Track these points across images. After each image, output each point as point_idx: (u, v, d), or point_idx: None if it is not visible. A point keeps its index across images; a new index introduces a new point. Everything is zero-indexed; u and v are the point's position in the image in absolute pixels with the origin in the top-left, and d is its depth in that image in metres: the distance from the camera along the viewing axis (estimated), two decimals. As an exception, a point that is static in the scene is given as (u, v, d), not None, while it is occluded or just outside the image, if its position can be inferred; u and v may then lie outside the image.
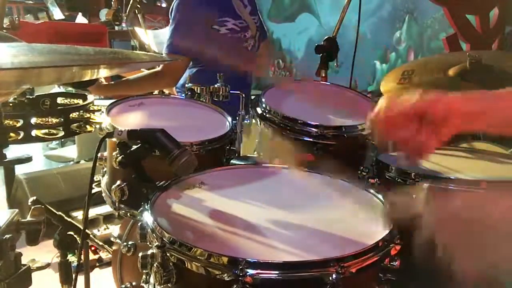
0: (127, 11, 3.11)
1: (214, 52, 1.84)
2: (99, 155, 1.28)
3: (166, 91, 2.38)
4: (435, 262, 0.77)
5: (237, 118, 1.44)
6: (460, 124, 0.89)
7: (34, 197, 1.21)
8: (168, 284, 0.84)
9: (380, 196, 1.04)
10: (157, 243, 0.85)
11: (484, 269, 0.73)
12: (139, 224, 0.96)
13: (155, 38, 3.38)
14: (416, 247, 0.81)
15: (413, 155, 0.91)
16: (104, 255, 2.64)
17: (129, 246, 1.36)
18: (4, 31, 2.34)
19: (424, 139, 0.88)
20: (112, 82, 2.29)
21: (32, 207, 1.02)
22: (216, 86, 1.58)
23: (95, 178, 1.29)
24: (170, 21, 2.21)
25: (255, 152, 1.53)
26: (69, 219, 1.34)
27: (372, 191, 1.07)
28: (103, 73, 1.13)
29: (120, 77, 2.35)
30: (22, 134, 1.72)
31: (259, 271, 0.77)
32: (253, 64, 2.39)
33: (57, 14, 5.21)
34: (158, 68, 2.20)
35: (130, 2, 3.08)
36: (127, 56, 1.13)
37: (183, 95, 1.61)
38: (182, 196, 1.04)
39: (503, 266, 0.74)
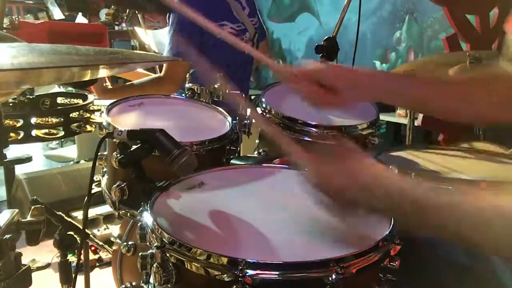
0: (127, 11, 3.11)
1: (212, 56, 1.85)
2: (99, 155, 1.28)
3: None
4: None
5: (237, 118, 1.44)
6: (358, 95, 1.10)
7: (34, 197, 1.21)
8: (168, 285, 0.84)
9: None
10: (156, 244, 0.85)
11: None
12: (139, 224, 0.96)
13: (155, 38, 3.38)
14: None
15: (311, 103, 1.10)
16: (104, 255, 2.65)
17: (129, 246, 1.36)
18: (4, 31, 2.34)
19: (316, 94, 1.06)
20: (117, 87, 2.29)
21: (32, 207, 1.02)
22: (216, 86, 1.58)
23: (95, 178, 1.29)
24: (169, 26, 2.22)
25: (255, 152, 1.53)
26: (69, 219, 1.34)
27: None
28: (103, 73, 1.13)
29: (118, 78, 2.36)
30: (22, 134, 1.71)
31: (258, 271, 0.77)
32: (249, 68, 2.40)
33: (57, 14, 5.22)
34: (160, 74, 2.21)
35: (130, 2, 3.08)
36: (127, 56, 1.13)
37: (183, 95, 1.61)
38: (182, 196, 1.04)
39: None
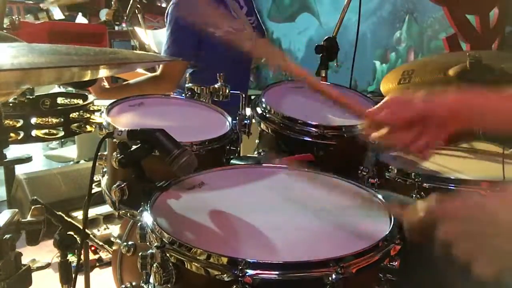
0: (127, 11, 3.11)
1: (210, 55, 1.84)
2: (99, 155, 1.28)
3: None
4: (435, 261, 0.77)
5: (237, 118, 1.44)
6: (461, 125, 0.91)
7: (34, 197, 1.21)
8: (168, 285, 0.84)
9: (380, 196, 1.04)
10: (156, 244, 0.85)
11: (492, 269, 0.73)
12: (139, 224, 0.96)
13: (155, 38, 3.38)
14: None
15: (416, 155, 0.92)
16: (104, 255, 2.65)
17: (129, 246, 1.36)
18: (4, 31, 2.34)
19: (425, 142, 0.89)
20: (114, 86, 2.29)
21: (32, 207, 1.02)
22: (216, 86, 1.58)
23: (95, 178, 1.29)
24: (166, 25, 2.22)
25: (255, 152, 1.53)
26: (69, 219, 1.34)
27: (372, 191, 1.07)
28: (103, 73, 1.13)
29: (117, 78, 2.36)
30: (22, 134, 1.72)
31: (258, 271, 0.77)
32: (248, 66, 2.40)
33: (57, 14, 5.22)
34: (157, 73, 2.21)
35: (130, 2, 3.08)
36: (127, 56, 1.13)
37: (183, 95, 1.61)
38: (182, 196, 1.04)
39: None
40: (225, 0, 2.24)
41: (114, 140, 1.10)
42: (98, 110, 1.91)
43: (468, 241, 0.72)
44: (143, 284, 1.00)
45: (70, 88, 2.25)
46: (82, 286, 1.55)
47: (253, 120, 1.48)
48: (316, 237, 0.89)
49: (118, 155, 1.07)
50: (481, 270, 0.71)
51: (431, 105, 0.90)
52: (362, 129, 1.05)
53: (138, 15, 3.21)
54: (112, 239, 1.60)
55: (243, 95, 1.66)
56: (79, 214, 2.76)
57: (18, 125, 1.71)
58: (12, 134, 1.69)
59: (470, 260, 0.71)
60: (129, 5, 3.12)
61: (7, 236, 0.92)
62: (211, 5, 2.17)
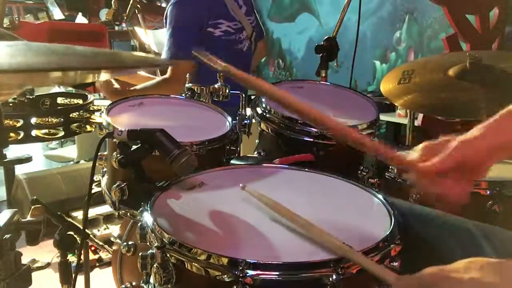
0: (127, 11, 3.11)
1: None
2: (99, 155, 1.28)
3: None
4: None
5: (237, 118, 1.44)
6: (492, 164, 0.90)
7: (34, 197, 1.21)
8: (168, 285, 0.84)
9: (380, 196, 1.04)
10: (157, 244, 0.85)
11: None
12: (139, 224, 0.96)
13: (155, 38, 3.38)
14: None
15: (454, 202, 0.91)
16: (104, 255, 2.65)
17: (129, 246, 1.36)
18: (5, 29, 2.34)
19: (462, 188, 0.89)
20: (126, 89, 2.29)
21: (32, 207, 1.02)
22: (216, 86, 1.58)
23: (95, 178, 1.29)
24: (166, 26, 2.22)
25: (255, 152, 1.53)
26: (69, 219, 1.34)
27: (372, 190, 1.07)
28: (103, 74, 1.12)
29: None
30: (22, 134, 1.72)
31: (259, 272, 0.76)
32: (247, 66, 2.39)
33: (57, 14, 5.22)
34: (166, 75, 2.21)
35: (130, 2, 3.08)
36: (127, 57, 1.13)
37: (183, 95, 1.61)
38: (182, 196, 1.04)
39: None
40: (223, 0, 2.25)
41: (114, 140, 1.10)
42: (98, 110, 1.91)
43: None
44: (143, 284, 1.00)
45: (70, 88, 2.26)
46: (82, 286, 1.55)
47: (253, 120, 1.48)
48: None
49: (118, 155, 1.07)
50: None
51: (469, 152, 0.88)
52: (363, 129, 1.02)
53: (138, 15, 3.21)
54: (112, 239, 1.60)
55: (243, 95, 1.66)
56: (79, 214, 2.77)
57: (18, 125, 1.71)
58: (12, 134, 1.69)
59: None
60: (129, 5, 3.12)
61: (7, 236, 0.92)
62: (209, 4, 2.18)
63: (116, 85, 2.14)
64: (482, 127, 0.90)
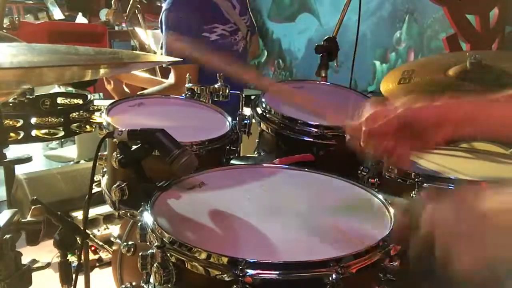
0: (127, 11, 3.11)
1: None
2: (99, 155, 1.28)
3: None
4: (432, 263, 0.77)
5: (237, 118, 1.44)
6: (450, 132, 0.89)
7: (34, 197, 1.21)
8: (168, 284, 0.84)
9: (380, 196, 1.04)
10: (157, 243, 0.85)
11: (483, 264, 0.73)
12: (139, 224, 0.96)
13: (155, 38, 3.38)
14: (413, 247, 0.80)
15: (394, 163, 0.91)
16: (104, 255, 2.64)
17: (129, 246, 1.36)
18: (4, 31, 2.34)
19: (405, 148, 0.89)
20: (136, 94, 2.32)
21: (32, 207, 1.02)
22: (216, 86, 1.58)
23: (95, 178, 1.29)
24: (163, 32, 2.22)
25: (255, 152, 1.53)
26: (69, 219, 1.34)
27: (372, 191, 1.07)
28: (104, 74, 1.12)
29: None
30: (22, 134, 1.72)
31: (259, 271, 0.77)
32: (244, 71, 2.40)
33: (57, 14, 5.22)
34: (171, 81, 2.22)
35: (130, 2, 3.08)
36: (127, 56, 1.13)
37: (183, 95, 1.61)
38: (182, 196, 1.04)
39: (502, 259, 0.74)
40: (216, 1, 2.24)
41: (114, 140, 1.10)
42: (98, 110, 1.91)
43: (453, 239, 0.72)
44: (143, 284, 1.00)
45: (70, 88, 2.26)
46: (82, 286, 1.55)
47: (253, 120, 1.48)
48: (316, 237, 0.89)
49: (118, 155, 1.07)
50: (462, 265, 0.71)
51: (413, 111, 0.89)
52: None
53: (138, 15, 3.21)
54: (112, 239, 1.60)
55: (243, 95, 1.66)
56: (79, 214, 2.76)
57: (18, 125, 1.71)
58: (12, 134, 1.69)
59: (451, 256, 0.71)
60: (129, 5, 3.12)
61: (7, 236, 0.92)
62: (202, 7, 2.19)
63: (127, 90, 2.16)
64: (448, 99, 0.90)
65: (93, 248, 2.60)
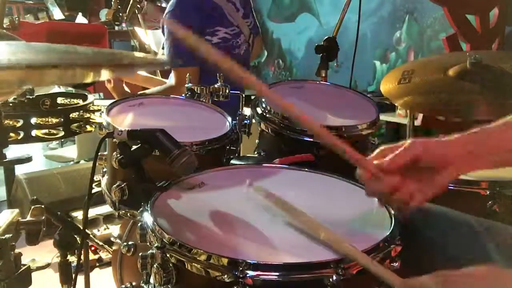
0: (127, 11, 3.11)
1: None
2: (99, 155, 1.28)
3: None
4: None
5: (237, 118, 1.44)
6: (455, 173, 0.87)
7: (34, 197, 1.21)
8: (168, 285, 0.84)
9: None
10: (157, 244, 0.85)
11: None
12: (139, 224, 0.96)
13: (155, 38, 3.38)
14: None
15: (401, 206, 0.88)
16: (104, 255, 2.65)
17: (129, 246, 1.36)
18: (4, 30, 2.34)
19: (411, 189, 0.86)
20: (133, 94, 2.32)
21: (32, 207, 1.02)
22: (216, 86, 1.58)
23: (95, 178, 1.29)
24: (165, 36, 2.22)
25: (255, 152, 1.53)
26: (69, 219, 1.34)
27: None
28: (104, 74, 1.12)
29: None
30: (22, 134, 1.71)
31: (259, 272, 0.76)
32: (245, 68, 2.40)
33: (57, 14, 5.22)
34: (172, 82, 2.22)
35: (130, 2, 3.08)
36: (127, 56, 1.13)
37: (183, 95, 1.61)
38: (182, 196, 1.04)
39: None
40: (220, 4, 2.24)
41: (114, 140, 1.10)
42: (98, 110, 1.91)
43: None
44: (143, 284, 1.00)
45: (70, 88, 2.25)
46: (82, 286, 1.55)
47: (253, 120, 1.48)
48: (317, 238, 0.89)
49: (118, 155, 1.07)
50: None
51: (419, 153, 0.86)
52: (363, 129, 1.01)
53: (138, 15, 3.20)
54: (112, 239, 1.60)
55: (243, 95, 1.66)
56: (79, 214, 2.76)
57: (18, 125, 1.71)
58: (12, 134, 1.69)
59: None
60: (129, 5, 3.12)
61: (7, 236, 0.92)
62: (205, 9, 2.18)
63: (127, 89, 2.16)
64: (460, 134, 0.88)
65: (93, 248, 2.60)
